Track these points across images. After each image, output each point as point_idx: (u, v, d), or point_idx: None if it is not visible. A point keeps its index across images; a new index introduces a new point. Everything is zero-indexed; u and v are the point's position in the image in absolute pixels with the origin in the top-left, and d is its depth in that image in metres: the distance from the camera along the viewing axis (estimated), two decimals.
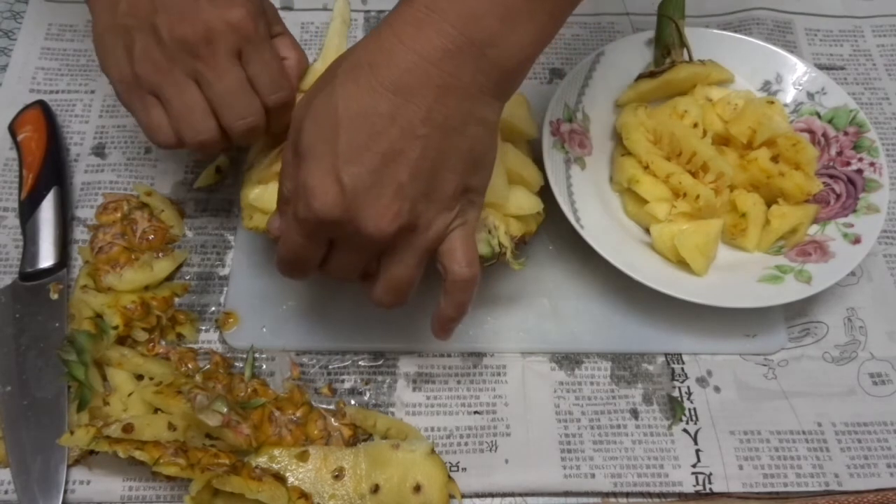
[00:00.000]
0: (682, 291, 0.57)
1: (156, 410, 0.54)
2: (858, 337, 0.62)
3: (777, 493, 0.55)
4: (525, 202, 0.57)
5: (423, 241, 0.46)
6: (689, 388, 0.59)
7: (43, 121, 0.66)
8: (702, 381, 0.59)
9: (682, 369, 0.60)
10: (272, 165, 0.57)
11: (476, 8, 0.41)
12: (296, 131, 0.45)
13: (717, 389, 0.59)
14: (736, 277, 0.60)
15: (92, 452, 0.53)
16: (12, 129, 0.66)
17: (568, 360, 0.60)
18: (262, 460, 0.51)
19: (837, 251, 0.60)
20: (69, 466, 0.53)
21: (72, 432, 0.51)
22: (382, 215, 0.43)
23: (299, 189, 0.44)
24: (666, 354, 0.60)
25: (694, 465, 0.56)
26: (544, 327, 0.60)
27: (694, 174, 0.62)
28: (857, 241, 0.60)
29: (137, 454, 0.49)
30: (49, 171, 0.63)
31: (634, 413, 0.58)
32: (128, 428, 0.51)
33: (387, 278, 0.47)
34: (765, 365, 0.60)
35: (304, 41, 0.76)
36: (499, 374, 0.59)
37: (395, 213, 0.43)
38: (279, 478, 0.51)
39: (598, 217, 0.62)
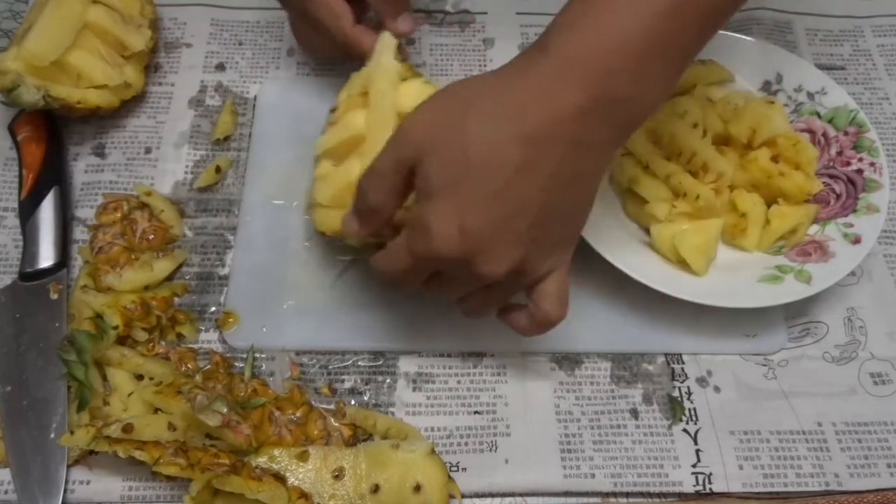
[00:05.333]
0: (682, 291, 0.57)
1: (156, 410, 0.54)
2: (858, 337, 0.62)
3: (777, 493, 0.55)
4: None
5: (526, 281, 0.48)
6: (689, 388, 0.59)
7: (43, 121, 0.66)
8: (702, 381, 0.59)
9: (682, 369, 0.60)
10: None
11: (612, 64, 0.42)
12: (416, 159, 0.44)
13: (717, 389, 0.59)
14: (736, 277, 0.60)
15: (92, 452, 0.53)
16: (12, 130, 0.66)
17: (568, 360, 0.60)
18: (262, 460, 0.51)
19: (837, 251, 0.60)
20: (69, 466, 0.53)
21: (72, 432, 0.51)
22: (498, 261, 0.44)
23: (419, 224, 0.44)
24: (666, 354, 0.60)
25: (694, 465, 0.56)
26: None
27: (694, 174, 0.62)
28: (857, 241, 0.60)
29: (137, 454, 0.49)
30: (49, 171, 0.63)
31: (634, 413, 0.58)
32: (128, 428, 0.51)
33: (481, 299, 0.50)
34: (765, 365, 0.60)
35: None
36: (499, 374, 0.59)
37: (509, 259, 0.45)
38: (279, 478, 0.51)
39: (597, 217, 0.61)
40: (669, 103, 0.66)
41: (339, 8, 0.59)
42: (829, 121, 0.66)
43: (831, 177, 0.64)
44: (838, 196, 0.63)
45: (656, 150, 0.63)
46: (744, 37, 0.71)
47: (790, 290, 0.58)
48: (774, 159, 0.62)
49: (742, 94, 0.66)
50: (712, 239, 0.60)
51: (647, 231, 0.62)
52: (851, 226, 0.61)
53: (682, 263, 0.59)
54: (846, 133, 0.65)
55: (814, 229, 0.62)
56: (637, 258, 0.59)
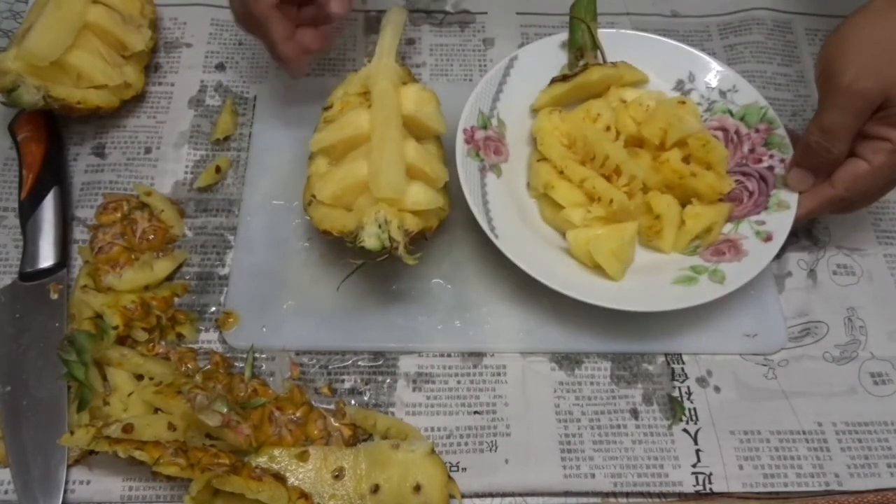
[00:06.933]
0: (598, 297, 0.56)
1: (156, 410, 0.54)
2: (859, 336, 0.62)
3: (777, 493, 0.55)
4: (422, 197, 0.56)
5: None
6: (689, 388, 0.59)
7: (43, 121, 0.66)
8: (702, 381, 0.59)
9: (682, 369, 0.60)
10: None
11: None
12: (884, 95, 0.54)
13: (717, 389, 0.59)
14: (652, 280, 0.59)
15: (92, 452, 0.53)
16: (12, 130, 0.66)
17: (568, 360, 0.60)
18: (262, 460, 0.51)
19: (750, 249, 0.59)
20: (69, 466, 0.53)
21: (72, 432, 0.51)
22: None
23: None
24: (666, 354, 0.60)
25: (694, 465, 0.56)
26: (544, 327, 0.61)
27: (608, 178, 0.61)
28: (768, 238, 0.59)
29: (137, 454, 0.49)
30: (49, 171, 0.63)
31: (634, 413, 0.58)
32: (128, 428, 0.51)
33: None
34: (765, 365, 0.60)
35: None
36: (499, 374, 0.59)
37: None
38: (279, 478, 0.51)
39: (514, 225, 0.60)
40: (583, 107, 0.65)
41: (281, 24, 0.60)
42: (741, 118, 0.65)
43: (744, 174, 0.63)
44: (751, 193, 0.62)
45: (571, 154, 0.63)
46: (656, 37, 0.69)
47: (704, 291, 0.57)
48: (686, 160, 0.62)
49: (654, 95, 0.65)
50: (627, 243, 0.59)
51: (565, 236, 0.61)
52: (763, 223, 0.60)
53: (599, 268, 0.58)
54: (757, 130, 0.65)
55: (728, 227, 0.62)
56: (555, 265, 0.59)
